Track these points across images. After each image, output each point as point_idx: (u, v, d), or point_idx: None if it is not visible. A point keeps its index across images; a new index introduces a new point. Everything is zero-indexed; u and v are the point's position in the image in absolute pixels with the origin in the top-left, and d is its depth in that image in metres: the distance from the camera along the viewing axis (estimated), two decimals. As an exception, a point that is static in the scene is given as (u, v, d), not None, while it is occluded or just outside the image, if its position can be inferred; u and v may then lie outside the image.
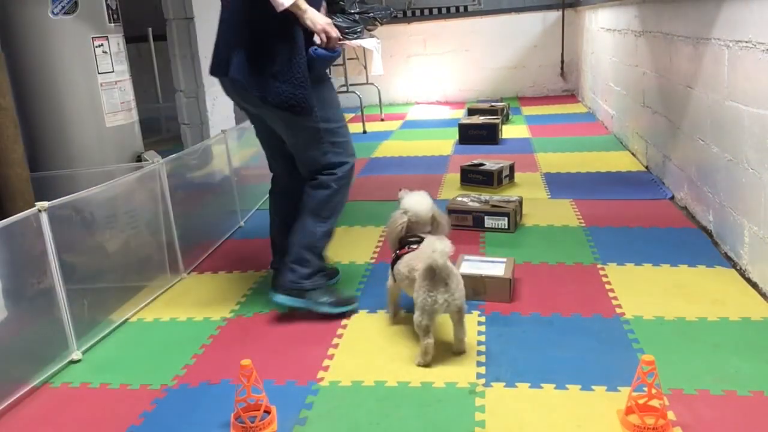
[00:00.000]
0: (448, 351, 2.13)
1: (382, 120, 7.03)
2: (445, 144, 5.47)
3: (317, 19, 2.20)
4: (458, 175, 4.19)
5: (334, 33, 2.23)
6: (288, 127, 2.39)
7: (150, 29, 7.13)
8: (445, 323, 2.23)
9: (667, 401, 1.80)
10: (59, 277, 2.18)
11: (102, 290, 2.65)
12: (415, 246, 2.20)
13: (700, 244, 2.94)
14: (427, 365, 2.06)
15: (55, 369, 2.18)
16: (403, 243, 2.27)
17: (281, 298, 2.43)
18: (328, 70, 2.30)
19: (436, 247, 1.96)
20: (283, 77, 2.23)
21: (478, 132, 5.42)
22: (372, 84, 7.23)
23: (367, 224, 3.50)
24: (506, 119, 6.36)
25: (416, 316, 2.05)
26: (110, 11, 3.09)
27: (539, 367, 2.03)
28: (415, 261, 2.12)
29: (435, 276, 2.00)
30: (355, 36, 2.55)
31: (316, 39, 2.23)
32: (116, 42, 3.12)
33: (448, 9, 7.96)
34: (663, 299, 2.43)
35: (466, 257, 2.67)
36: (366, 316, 2.45)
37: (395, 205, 2.41)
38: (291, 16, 2.18)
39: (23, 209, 2.14)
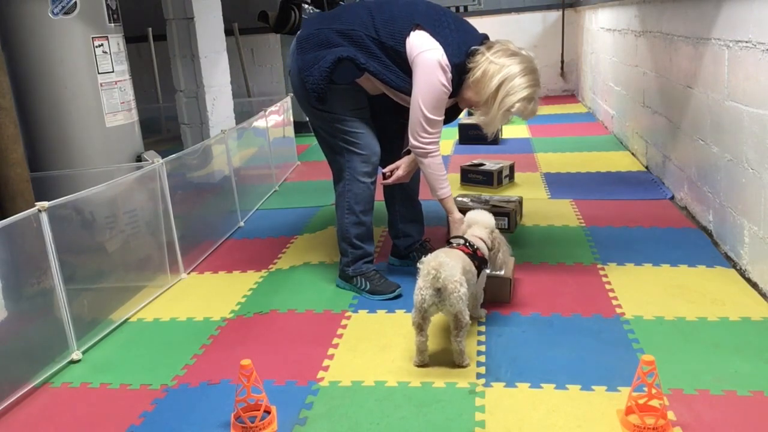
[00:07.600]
0: (447, 352, 2.13)
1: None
2: (445, 144, 5.47)
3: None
4: (458, 175, 4.19)
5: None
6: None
7: (150, 29, 7.14)
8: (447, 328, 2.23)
9: (667, 401, 1.80)
10: (59, 277, 2.18)
11: (102, 290, 2.66)
12: (453, 245, 2.23)
13: (700, 244, 2.94)
14: (423, 365, 2.06)
15: (55, 369, 2.18)
16: (447, 239, 2.32)
17: (337, 281, 2.72)
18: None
19: (439, 270, 1.95)
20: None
21: (478, 132, 5.40)
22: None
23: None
24: (506, 119, 6.35)
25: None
26: (110, 11, 3.09)
27: (539, 367, 2.03)
28: (425, 260, 2.04)
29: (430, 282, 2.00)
30: None
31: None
32: (116, 42, 3.12)
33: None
34: (663, 299, 2.43)
35: (466, 257, 2.67)
36: (366, 316, 2.45)
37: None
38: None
39: (23, 209, 2.14)
